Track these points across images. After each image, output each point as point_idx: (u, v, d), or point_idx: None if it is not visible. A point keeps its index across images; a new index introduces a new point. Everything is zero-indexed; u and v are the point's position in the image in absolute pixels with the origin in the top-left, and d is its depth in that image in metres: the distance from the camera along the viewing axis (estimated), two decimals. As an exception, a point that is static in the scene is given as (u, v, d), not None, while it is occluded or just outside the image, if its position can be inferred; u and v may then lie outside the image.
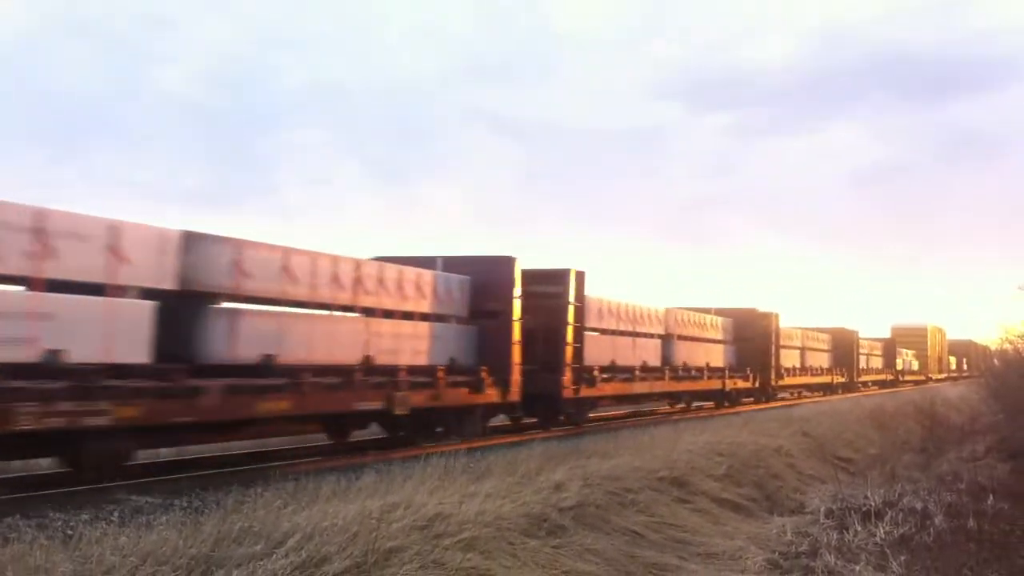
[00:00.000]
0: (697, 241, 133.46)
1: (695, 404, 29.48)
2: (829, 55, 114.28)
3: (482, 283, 17.66)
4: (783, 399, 36.27)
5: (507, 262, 18.00)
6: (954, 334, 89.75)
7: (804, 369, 40.93)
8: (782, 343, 36.50)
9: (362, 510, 7.10)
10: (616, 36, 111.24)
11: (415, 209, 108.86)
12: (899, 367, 62.37)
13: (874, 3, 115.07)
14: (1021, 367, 28.22)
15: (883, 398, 34.29)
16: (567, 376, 19.27)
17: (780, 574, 8.87)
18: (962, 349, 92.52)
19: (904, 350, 65.93)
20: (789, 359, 38.26)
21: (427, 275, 16.49)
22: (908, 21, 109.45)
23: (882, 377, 56.90)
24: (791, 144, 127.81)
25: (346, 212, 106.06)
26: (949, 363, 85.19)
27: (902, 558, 9.34)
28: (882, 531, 10.62)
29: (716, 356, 29.51)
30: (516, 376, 17.68)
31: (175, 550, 5.80)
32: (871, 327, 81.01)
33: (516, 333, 17.77)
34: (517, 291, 17.90)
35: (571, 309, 19.65)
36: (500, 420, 19.34)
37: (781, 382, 36.03)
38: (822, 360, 44.92)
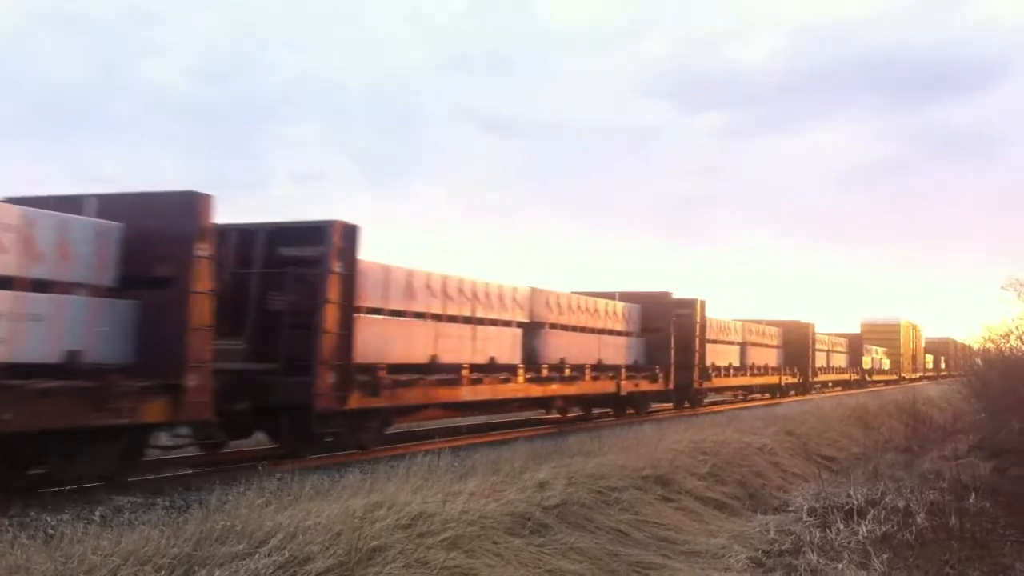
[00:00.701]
0: (683, 238, 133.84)
1: (595, 411, 23.93)
2: (818, 55, 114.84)
3: (142, 232, 11.05)
4: (713, 404, 31.95)
5: (185, 200, 11.19)
6: (934, 332, 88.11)
7: (744, 368, 34.86)
8: (713, 336, 30.91)
9: (345, 509, 7.08)
10: (605, 34, 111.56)
11: (402, 203, 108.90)
12: (867, 365, 57.74)
13: (863, 3, 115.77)
14: (1003, 367, 28.39)
15: (839, 400, 33.53)
16: (323, 379, 13.23)
17: (763, 572, 8.90)
18: (940, 347, 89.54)
19: (874, 347, 61.51)
20: (724, 356, 32.33)
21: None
22: (896, 21, 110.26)
23: (845, 377, 51.62)
24: (778, 143, 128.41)
25: (334, 205, 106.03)
26: (925, 362, 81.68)
27: (884, 556, 9.38)
28: (865, 529, 10.66)
29: (613, 351, 23.50)
30: (202, 380, 11.12)
31: (157, 550, 5.77)
32: (845, 324, 78.80)
33: (201, 312, 11.14)
34: (204, 247, 11.20)
35: (334, 280, 13.44)
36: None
37: (709, 383, 30.03)
38: (768, 357, 38.54)
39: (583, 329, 22.04)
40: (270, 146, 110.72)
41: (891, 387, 51.11)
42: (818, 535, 10.44)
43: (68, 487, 10.34)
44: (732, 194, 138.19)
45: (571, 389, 20.83)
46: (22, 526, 8.00)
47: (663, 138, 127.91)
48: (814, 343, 43.64)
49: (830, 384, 49.23)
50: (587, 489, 9.99)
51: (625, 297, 25.53)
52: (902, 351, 68.76)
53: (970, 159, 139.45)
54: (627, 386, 23.45)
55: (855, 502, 12.03)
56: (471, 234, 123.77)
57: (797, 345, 40.93)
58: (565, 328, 21.12)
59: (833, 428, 22.04)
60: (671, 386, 26.25)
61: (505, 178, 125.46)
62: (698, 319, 28.90)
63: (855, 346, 55.53)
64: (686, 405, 28.60)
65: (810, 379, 42.46)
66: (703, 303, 29.42)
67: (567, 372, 20.51)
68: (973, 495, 12.67)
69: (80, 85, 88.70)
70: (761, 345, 37.57)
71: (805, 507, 12.04)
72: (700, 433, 15.68)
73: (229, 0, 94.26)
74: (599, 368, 22.21)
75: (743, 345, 34.89)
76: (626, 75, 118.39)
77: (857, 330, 62.56)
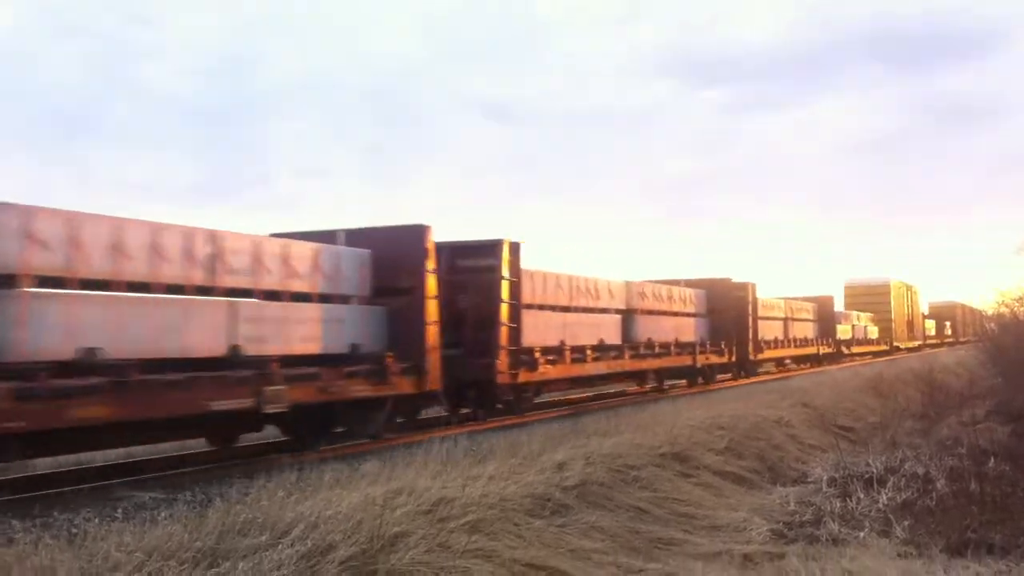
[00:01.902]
0: (686, 216, 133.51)
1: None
2: (818, 29, 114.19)
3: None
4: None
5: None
6: (940, 297, 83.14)
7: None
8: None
9: (366, 497, 7.09)
10: (604, 15, 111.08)
11: (405, 193, 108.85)
12: (843, 335, 47.43)
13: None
14: (1018, 331, 28.32)
15: (855, 371, 33.44)
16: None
17: (785, 543, 8.90)
18: (946, 312, 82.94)
19: (855, 313, 52.15)
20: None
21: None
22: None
23: (810, 351, 41.15)
24: (781, 119, 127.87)
25: (337, 199, 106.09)
26: (924, 328, 71.83)
27: (905, 523, 9.39)
28: (885, 497, 10.66)
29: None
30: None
31: (180, 544, 5.80)
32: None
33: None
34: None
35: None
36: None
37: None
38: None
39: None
40: (272, 143, 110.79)
41: (872, 361, 44.29)
42: (838, 505, 10.45)
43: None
44: (737, 170, 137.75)
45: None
46: (45, 526, 8.03)
47: (666, 117, 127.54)
48: (754, 310, 32.77)
49: (787, 361, 39.41)
50: (605, 468, 10.00)
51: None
52: (893, 316, 59.16)
53: (973, 126, 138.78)
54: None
55: (874, 471, 12.04)
56: (475, 220, 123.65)
57: (728, 313, 30.38)
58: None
59: (849, 398, 22.03)
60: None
61: (507, 163, 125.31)
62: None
63: (825, 312, 44.95)
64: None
65: (752, 355, 32.33)
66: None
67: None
68: (992, 459, 12.65)
69: (82, 90, 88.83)
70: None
71: (824, 478, 12.05)
72: (716, 409, 15.70)
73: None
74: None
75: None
76: (626, 56, 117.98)
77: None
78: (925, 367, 27.93)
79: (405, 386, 14.39)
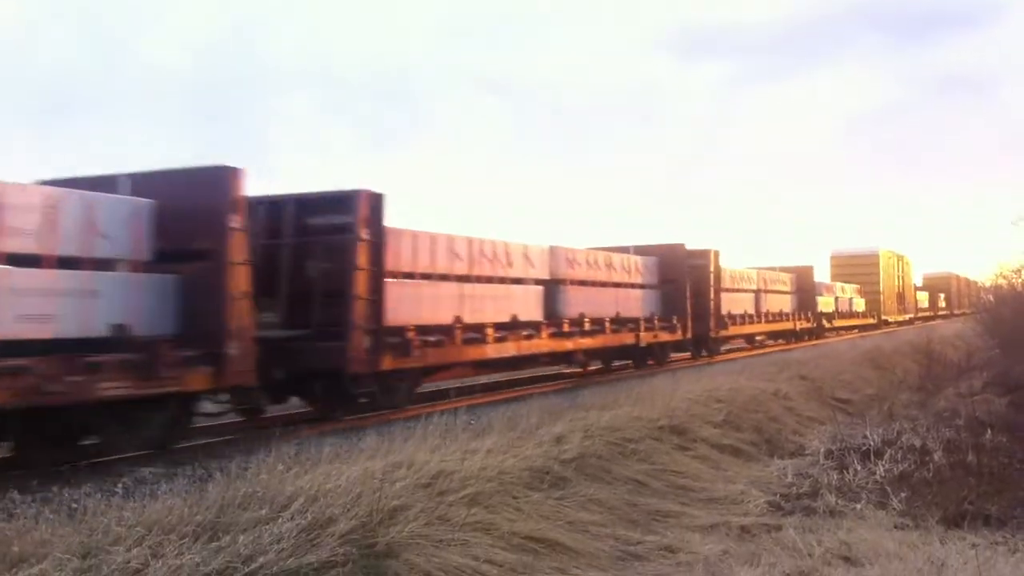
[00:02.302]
0: (689, 188, 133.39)
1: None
2: (816, 2, 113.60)
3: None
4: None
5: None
6: (936, 269, 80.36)
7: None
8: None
9: (365, 471, 7.12)
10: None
11: (406, 167, 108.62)
12: (826, 308, 43.84)
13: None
14: (1016, 302, 28.37)
15: (853, 343, 33.45)
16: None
17: (782, 515, 8.94)
18: (940, 283, 79.67)
19: (841, 284, 49.07)
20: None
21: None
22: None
23: (786, 326, 37.80)
24: (781, 91, 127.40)
25: (336, 173, 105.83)
26: (916, 300, 68.28)
27: (902, 495, 9.43)
28: (882, 469, 10.70)
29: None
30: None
31: (181, 518, 5.82)
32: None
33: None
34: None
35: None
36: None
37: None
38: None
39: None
40: (271, 118, 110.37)
41: (854, 336, 42.12)
42: (836, 477, 10.49)
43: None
44: (737, 143, 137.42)
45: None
46: (45, 501, 8.07)
47: (665, 90, 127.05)
48: (717, 280, 29.69)
49: (759, 339, 36.12)
50: (604, 441, 10.04)
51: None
52: (882, 288, 55.62)
53: (970, 98, 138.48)
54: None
55: (871, 443, 12.07)
56: (475, 194, 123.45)
57: (678, 287, 26.63)
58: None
59: (847, 370, 22.07)
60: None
61: (508, 137, 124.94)
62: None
63: (805, 283, 41.14)
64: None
65: (715, 332, 29.37)
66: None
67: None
68: (989, 431, 12.69)
69: (78, 66, 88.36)
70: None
71: (822, 450, 12.08)
72: (714, 381, 15.71)
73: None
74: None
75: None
76: (627, 30, 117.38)
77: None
78: (907, 341, 27.93)
79: (194, 381, 11.07)
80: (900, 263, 62.02)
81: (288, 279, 13.95)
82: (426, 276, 15.83)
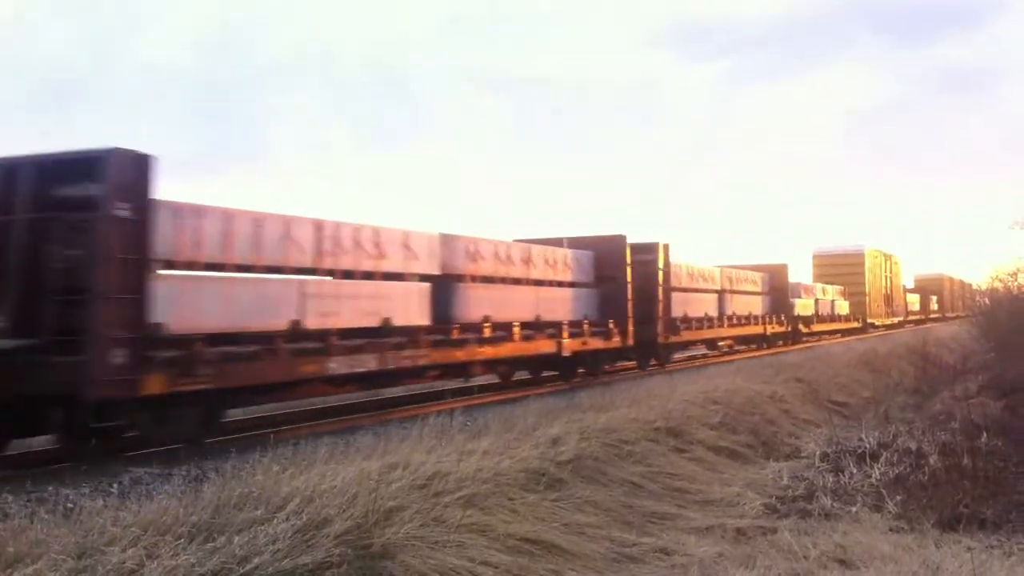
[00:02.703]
0: (686, 187, 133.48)
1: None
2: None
3: None
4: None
5: None
6: (931, 269, 78.43)
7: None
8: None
9: (361, 471, 7.12)
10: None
11: (404, 165, 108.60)
12: (803, 311, 39.98)
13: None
14: (1011, 305, 28.42)
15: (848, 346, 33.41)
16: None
17: (778, 518, 8.95)
18: (932, 285, 76.86)
19: (822, 285, 45.69)
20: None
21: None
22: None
23: (754, 330, 33.88)
24: (780, 90, 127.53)
25: (336, 172, 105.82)
26: (906, 303, 65.01)
27: (898, 497, 9.44)
28: (877, 472, 10.71)
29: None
30: None
31: (176, 518, 5.81)
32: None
33: None
34: None
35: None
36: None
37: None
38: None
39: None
40: (270, 116, 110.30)
41: (834, 341, 39.58)
42: (831, 480, 10.50)
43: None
44: (735, 141, 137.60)
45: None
46: (40, 501, 8.06)
47: (664, 88, 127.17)
48: (667, 278, 26.18)
49: (723, 344, 32.56)
50: (600, 443, 10.04)
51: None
52: (868, 289, 52.27)
53: (969, 98, 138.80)
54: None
55: (867, 446, 12.09)
56: (472, 192, 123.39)
57: (618, 285, 23.52)
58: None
59: (842, 373, 22.09)
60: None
61: (504, 135, 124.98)
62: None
63: (779, 283, 37.05)
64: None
65: (664, 336, 25.82)
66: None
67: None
68: (985, 434, 12.71)
69: (79, 60, 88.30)
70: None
71: (817, 452, 12.09)
72: (711, 383, 15.72)
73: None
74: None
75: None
76: (626, 27, 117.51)
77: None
78: (901, 344, 27.95)
79: None
80: (888, 263, 58.86)
81: (20, 270, 10.58)
82: (243, 268, 12.46)
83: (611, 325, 22.43)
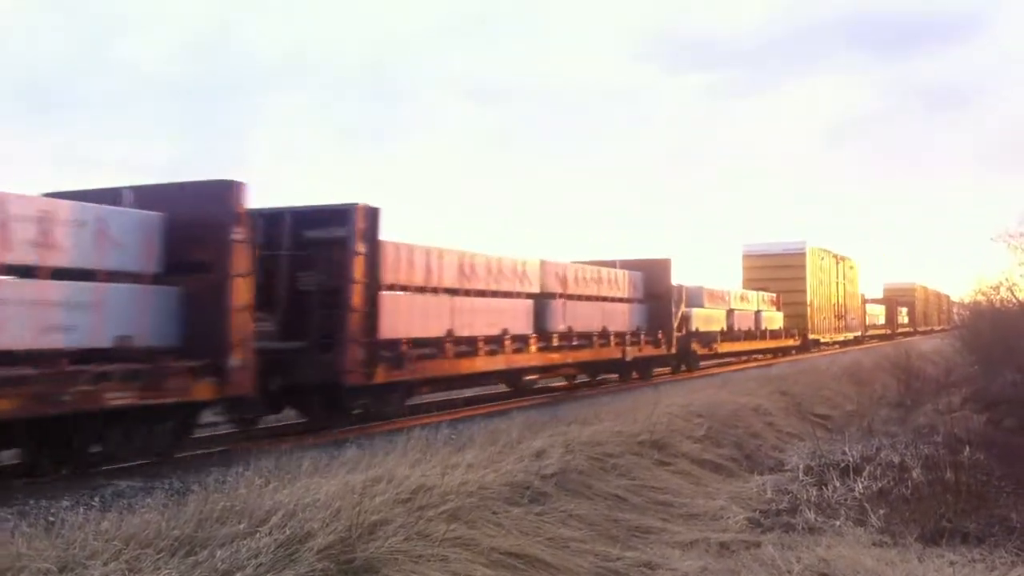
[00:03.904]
0: (669, 200, 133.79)
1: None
2: (802, 14, 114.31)
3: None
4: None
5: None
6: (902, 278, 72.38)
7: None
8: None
9: (344, 485, 7.10)
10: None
11: (390, 175, 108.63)
12: (706, 325, 29.85)
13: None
14: (994, 318, 28.55)
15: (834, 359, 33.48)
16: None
17: (761, 532, 8.96)
18: (903, 296, 69.16)
19: (740, 292, 35.65)
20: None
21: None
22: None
23: (603, 355, 22.49)
24: (763, 103, 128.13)
25: (318, 181, 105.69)
26: (865, 315, 56.15)
27: (881, 511, 9.46)
28: (860, 485, 10.75)
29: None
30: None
31: (158, 532, 5.78)
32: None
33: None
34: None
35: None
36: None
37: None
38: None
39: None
40: (255, 123, 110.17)
41: (747, 366, 31.66)
42: (815, 493, 10.52)
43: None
44: (716, 154, 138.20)
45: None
46: (22, 515, 8.01)
47: (650, 101, 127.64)
48: (371, 269, 16.69)
49: (532, 378, 21.57)
50: (584, 456, 10.04)
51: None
52: (810, 298, 42.47)
53: (950, 113, 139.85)
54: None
55: (850, 459, 12.13)
56: (459, 202, 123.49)
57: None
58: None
59: (827, 386, 22.16)
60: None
61: (493, 146, 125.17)
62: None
63: (658, 287, 25.99)
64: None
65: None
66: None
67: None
68: (967, 448, 12.76)
69: (59, 64, 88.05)
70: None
71: (801, 466, 12.12)
72: (694, 396, 15.75)
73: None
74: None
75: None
76: (613, 40, 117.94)
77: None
78: (903, 354, 28.03)
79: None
80: (840, 267, 48.96)
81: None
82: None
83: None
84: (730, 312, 33.14)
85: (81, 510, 7.45)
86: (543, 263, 20.30)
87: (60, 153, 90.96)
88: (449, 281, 16.66)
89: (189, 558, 5.46)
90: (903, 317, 67.41)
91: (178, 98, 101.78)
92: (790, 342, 39.64)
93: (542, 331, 19.63)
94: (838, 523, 9.18)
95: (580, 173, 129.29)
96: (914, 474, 11.22)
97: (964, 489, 10.35)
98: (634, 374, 24.97)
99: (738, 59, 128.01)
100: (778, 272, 41.56)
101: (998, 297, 32.62)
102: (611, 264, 24.78)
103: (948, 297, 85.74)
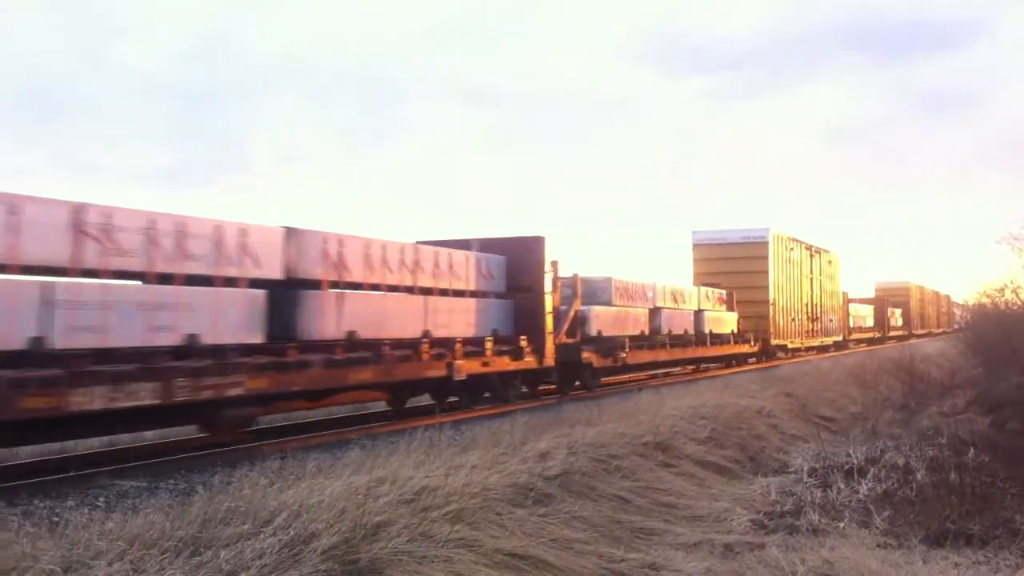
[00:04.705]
0: (668, 203, 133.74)
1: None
2: (801, 18, 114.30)
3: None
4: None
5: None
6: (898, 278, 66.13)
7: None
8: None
9: (348, 486, 7.10)
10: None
11: (386, 177, 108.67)
12: (613, 329, 22.90)
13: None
14: (999, 321, 28.49)
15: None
16: None
17: (765, 534, 8.95)
18: (896, 296, 63.36)
19: (676, 288, 27.97)
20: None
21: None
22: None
23: (426, 372, 15.67)
24: (761, 107, 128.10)
25: (318, 183, 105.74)
26: (848, 316, 50.20)
27: (885, 513, 9.45)
28: (865, 487, 10.73)
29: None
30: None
31: (163, 532, 5.80)
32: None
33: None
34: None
35: None
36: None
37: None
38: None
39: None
40: (251, 127, 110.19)
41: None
42: (819, 495, 10.51)
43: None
44: (716, 156, 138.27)
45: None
46: (27, 514, 8.01)
47: (648, 104, 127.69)
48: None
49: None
50: (588, 458, 10.04)
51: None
52: (773, 297, 35.31)
53: (949, 116, 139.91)
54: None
55: (855, 461, 12.11)
56: (454, 204, 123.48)
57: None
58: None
59: (831, 388, 22.13)
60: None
61: (489, 148, 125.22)
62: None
63: (530, 278, 19.18)
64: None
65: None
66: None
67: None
68: (972, 450, 12.74)
69: (58, 69, 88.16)
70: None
71: (805, 468, 12.12)
72: (699, 398, 15.74)
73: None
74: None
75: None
76: (612, 42, 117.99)
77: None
78: (906, 357, 27.98)
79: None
80: (816, 261, 42.46)
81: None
82: None
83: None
84: (655, 312, 25.63)
85: (86, 510, 7.47)
86: (292, 231, 13.38)
87: (57, 157, 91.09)
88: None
89: (193, 559, 5.47)
90: (896, 319, 62.06)
91: (177, 100, 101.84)
92: (745, 348, 32.48)
93: (287, 338, 13.05)
94: (842, 525, 9.17)
95: (579, 175, 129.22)
96: (918, 476, 11.20)
97: (968, 491, 10.34)
98: (484, 396, 17.98)
99: (738, 63, 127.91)
100: (735, 265, 34.35)
101: (1002, 299, 32.54)
102: (464, 244, 18.48)
103: (948, 298, 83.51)
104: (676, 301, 27.56)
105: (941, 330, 73.61)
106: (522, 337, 18.66)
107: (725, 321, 31.31)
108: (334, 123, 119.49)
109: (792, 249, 38.64)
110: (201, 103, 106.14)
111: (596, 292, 22.86)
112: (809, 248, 41.54)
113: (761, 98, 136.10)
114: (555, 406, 16.87)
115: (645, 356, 24.73)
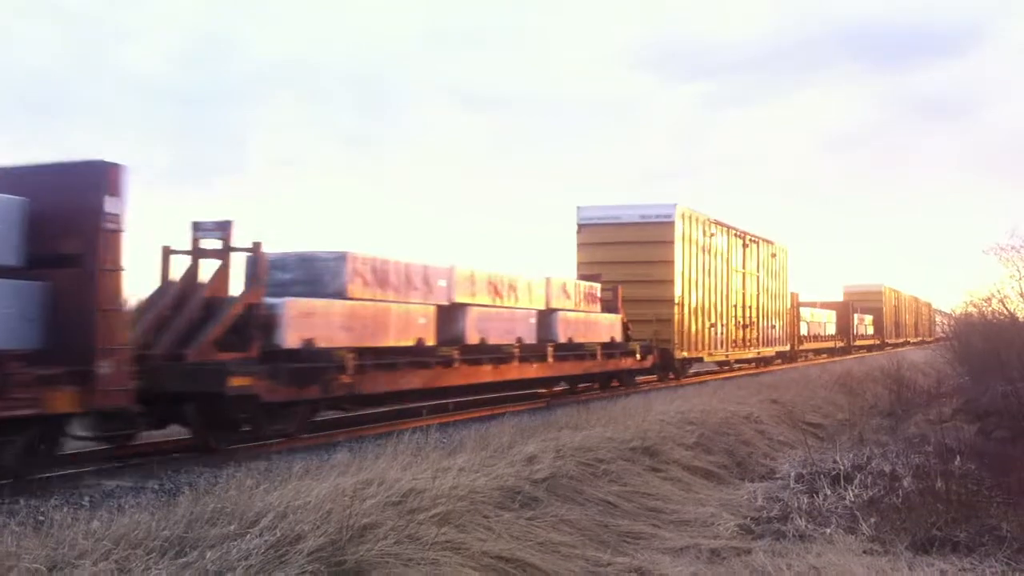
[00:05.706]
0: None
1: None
2: (799, 25, 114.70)
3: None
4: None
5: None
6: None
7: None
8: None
9: (335, 487, 7.09)
10: (589, 6, 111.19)
11: (384, 182, 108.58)
12: (326, 339, 13.09)
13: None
14: (985, 330, 28.63)
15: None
16: None
17: (752, 539, 8.95)
18: (866, 300, 56.86)
19: (513, 278, 18.89)
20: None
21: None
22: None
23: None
24: (758, 113, 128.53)
25: (316, 185, 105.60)
26: (797, 322, 41.74)
27: (872, 520, 9.45)
28: (851, 494, 10.73)
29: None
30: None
31: (148, 532, 5.78)
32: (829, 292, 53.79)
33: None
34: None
35: None
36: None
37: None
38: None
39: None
40: (250, 130, 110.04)
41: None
42: (806, 501, 10.51)
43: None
44: (713, 163, 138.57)
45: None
46: (12, 513, 7.98)
47: (647, 109, 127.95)
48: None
49: None
50: (576, 462, 10.03)
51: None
52: (681, 295, 26.54)
53: (942, 124, 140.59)
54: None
55: (842, 467, 12.11)
56: (452, 209, 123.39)
57: None
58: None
59: (818, 395, 22.19)
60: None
61: (487, 153, 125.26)
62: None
63: (71, 235, 9.88)
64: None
65: None
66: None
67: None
68: (958, 458, 12.75)
69: (56, 71, 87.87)
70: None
71: (792, 474, 12.12)
72: (687, 403, 15.74)
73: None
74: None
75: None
76: (610, 48, 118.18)
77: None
78: (893, 365, 28.06)
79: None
80: (751, 252, 33.52)
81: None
82: None
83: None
84: (452, 309, 16.84)
85: (71, 510, 7.44)
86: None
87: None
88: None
89: (179, 559, 5.45)
90: (866, 327, 55.19)
91: (175, 104, 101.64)
92: (627, 364, 23.41)
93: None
94: (829, 531, 9.17)
95: (579, 177, 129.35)
96: (905, 483, 11.20)
97: (955, 498, 10.35)
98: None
99: (735, 69, 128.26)
100: (628, 252, 26.06)
101: (989, 309, 32.69)
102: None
103: (929, 305, 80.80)
104: (497, 295, 18.40)
105: (920, 339, 70.30)
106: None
107: (598, 326, 22.29)
108: (333, 126, 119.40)
109: (714, 235, 29.44)
110: (200, 106, 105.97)
111: (318, 275, 14.24)
112: (742, 235, 32.34)
113: (758, 105, 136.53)
114: (544, 409, 16.85)
115: (409, 379, 14.87)
